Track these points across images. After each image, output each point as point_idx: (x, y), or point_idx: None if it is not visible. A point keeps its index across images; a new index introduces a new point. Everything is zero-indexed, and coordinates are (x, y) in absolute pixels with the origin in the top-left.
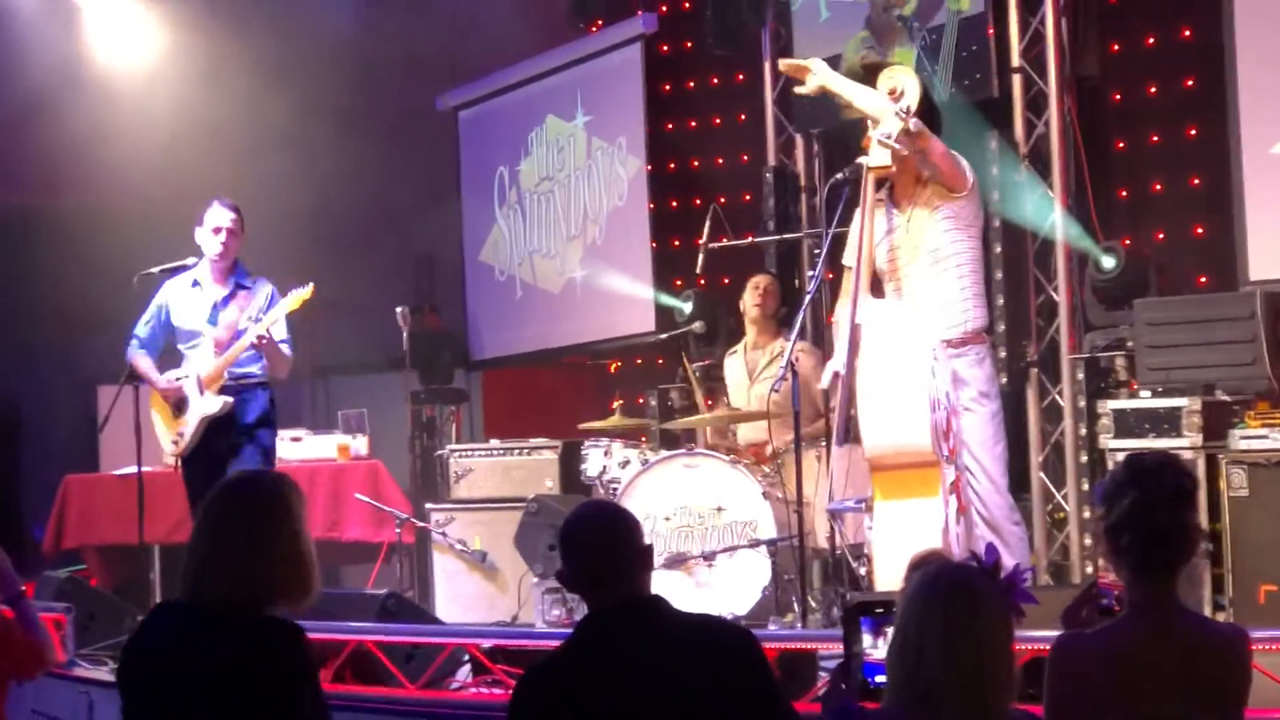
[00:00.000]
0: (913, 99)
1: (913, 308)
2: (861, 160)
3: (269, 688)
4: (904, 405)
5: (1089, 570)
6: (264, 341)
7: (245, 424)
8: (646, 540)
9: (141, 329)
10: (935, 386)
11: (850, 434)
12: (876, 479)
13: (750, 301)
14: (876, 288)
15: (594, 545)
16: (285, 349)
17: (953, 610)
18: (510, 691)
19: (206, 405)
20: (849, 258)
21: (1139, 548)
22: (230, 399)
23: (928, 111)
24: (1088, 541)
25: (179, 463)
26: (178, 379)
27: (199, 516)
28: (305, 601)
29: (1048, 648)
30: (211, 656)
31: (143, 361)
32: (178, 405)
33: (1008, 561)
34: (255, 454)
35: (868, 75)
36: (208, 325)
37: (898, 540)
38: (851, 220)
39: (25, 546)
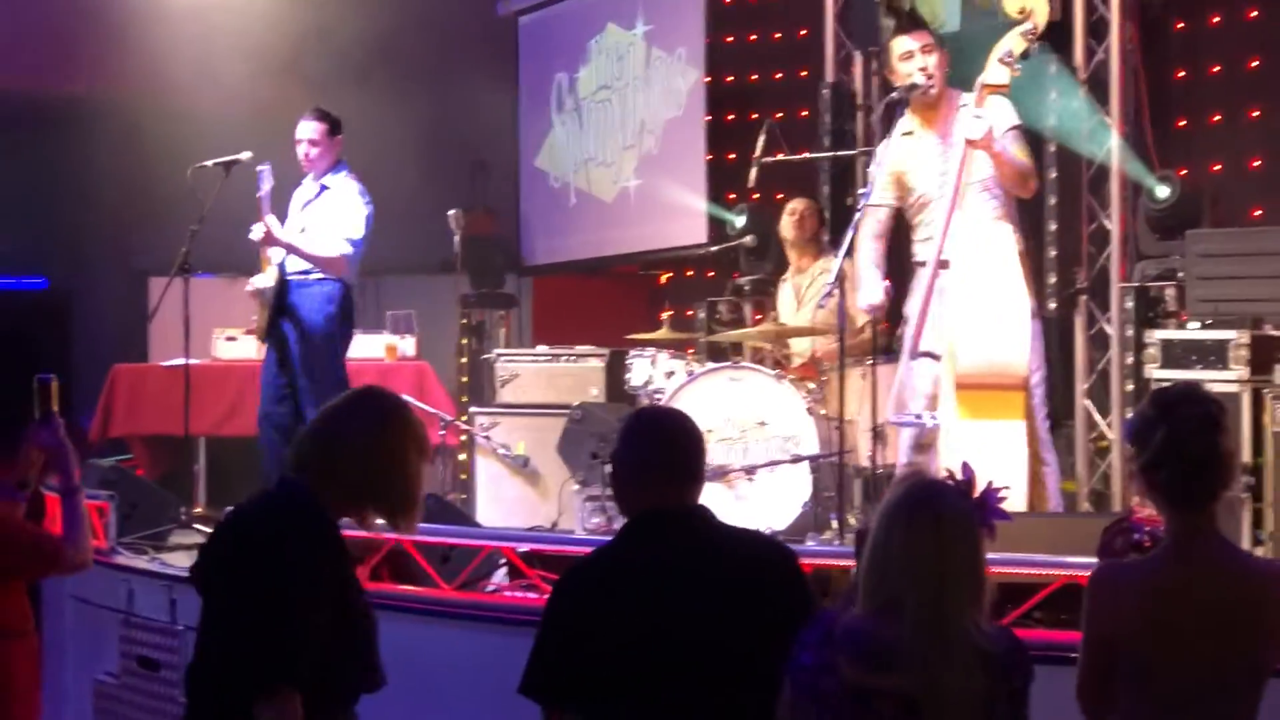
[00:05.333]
0: (1041, 19)
1: (998, 227)
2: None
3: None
4: (1004, 324)
5: (1133, 500)
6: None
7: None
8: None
9: None
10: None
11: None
12: (963, 396)
13: (787, 226)
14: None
15: (670, 440)
16: (302, 244)
17: (917, 524)
18: (544, 596)
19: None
20: (881, 195)
21: (1176, 480)
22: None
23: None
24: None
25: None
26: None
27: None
28: (401, 523)
29: (1078, 575)
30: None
31: None
32: None
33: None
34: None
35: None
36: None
37: (978, 461)
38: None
39: (74, 435)
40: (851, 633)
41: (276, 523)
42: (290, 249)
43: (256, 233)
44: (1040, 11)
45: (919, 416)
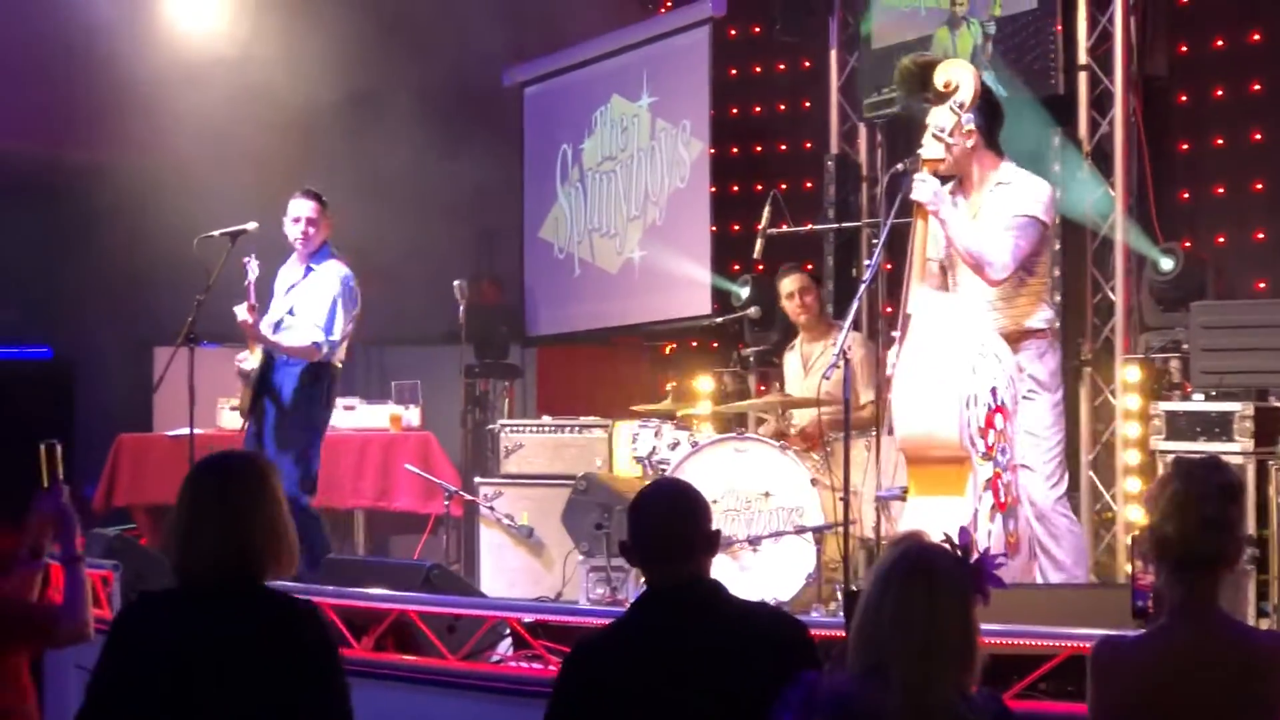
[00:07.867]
0: (967, 95)
1: (965, 303)
2: (919, 151)
3: (288, 667)
4: (935, 396)
5: (1137, 567)
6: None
7: (279, 393)
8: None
9: None
10: (975, 383)
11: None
12: (911, 472)
13: (792, 311)
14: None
15: (661, 519)
16: (276, 336)
17: (909, 587)
18: (549, 667)
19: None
20: (935, 250)
21: (1180, 541)
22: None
23: (989, 109)
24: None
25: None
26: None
27: (178, 497)
28: (288, 570)
29: (1083, 646)
30: (220, 637)
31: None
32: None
33: (1059, 554)
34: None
35: (922, 72)
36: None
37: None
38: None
39: (77, 504)
40: (835, 696)
41: (308, 623)
42: (265, 343)
43: (241, 313)
44: (965, 85)
45: (902, 490)
